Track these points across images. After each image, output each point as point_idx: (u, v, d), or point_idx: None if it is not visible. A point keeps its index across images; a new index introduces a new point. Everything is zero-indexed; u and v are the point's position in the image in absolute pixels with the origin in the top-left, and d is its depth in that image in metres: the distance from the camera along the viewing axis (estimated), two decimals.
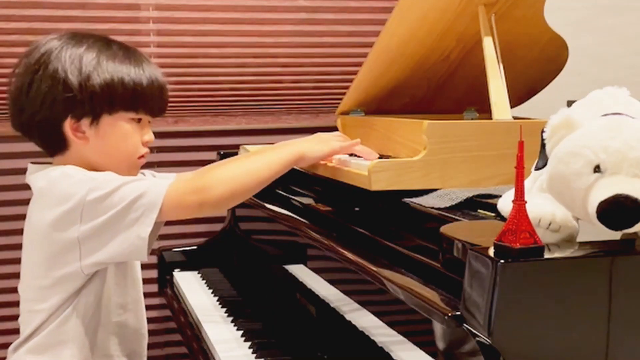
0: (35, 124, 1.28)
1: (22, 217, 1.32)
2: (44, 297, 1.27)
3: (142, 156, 1.34)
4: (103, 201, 1.20)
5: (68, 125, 1.27)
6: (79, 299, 1.28)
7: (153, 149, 2.25)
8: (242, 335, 1.51)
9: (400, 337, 1.14)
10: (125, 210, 1.20)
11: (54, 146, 1.31)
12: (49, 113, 1.26)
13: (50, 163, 1.32)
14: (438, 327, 0.95)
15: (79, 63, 1.26)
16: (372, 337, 1.24)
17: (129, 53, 1.31)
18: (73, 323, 1.28)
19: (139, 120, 1.32)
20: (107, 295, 1.32)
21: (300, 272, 1.61)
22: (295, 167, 1.37)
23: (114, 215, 1.20)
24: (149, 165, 1.55)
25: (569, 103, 1.07)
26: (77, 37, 1.30)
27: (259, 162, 1.30)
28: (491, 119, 1.43)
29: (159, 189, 1.22)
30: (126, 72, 1.28)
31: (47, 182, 1.26)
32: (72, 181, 1.23)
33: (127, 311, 1.37)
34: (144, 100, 1.30)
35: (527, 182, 1.01)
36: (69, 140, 1.28)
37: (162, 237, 2.12)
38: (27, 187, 1.33)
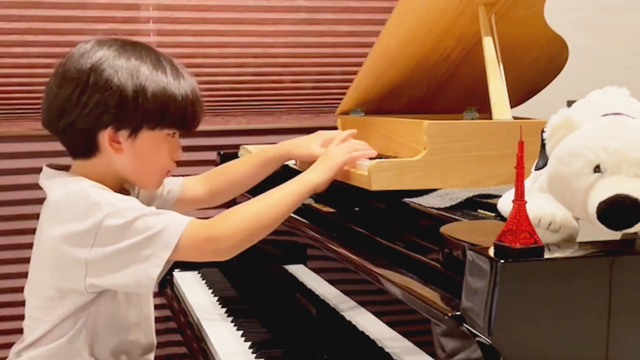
0: (73, 129, 1.25)
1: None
2: (51, 307, 1.26)
3: (169, 171, 1.33)
4: (119, 230, 1.18)
5: (107, 134, 1.24)
6: (88, 316, 1.26)
7: None
8: (242, 335, 1.51)
9: (400, 337, 1.14)
10: (139, 245, 1.18)
11: (81, 151, 1.28)
12: (93, 121, 1.24)
13: (66, 167, 1.31)
14: (438, 327, 0.95)
15: (136, 76, 1.23)
16: (372, 337, 1.24)
17: (175, 69, 1.29)
18: (82, 341, 1.27)
19: (173, 135, 1.30)
20: (122, 314, 1.31)
21: (300, 272, 1.61)
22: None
23: (127, 248, 1.18)
24: None
25: (569, 103, 1.07)
26: (129, 47, 1.27)
27: (270, 204, 1.27)
28: (491, 119, 1.43)
29: (176, 230, 1.20)
30: (176, 89, 1.26)
31: (65, 196, 1.23)
32: (90, 202, 1.20)
33: (141, 329, 1.36)
34: (190, 118, 1.29)
35: (527, 182, 1.01)
36: (102, 148, 1.26)
37: None
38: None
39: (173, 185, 1.51)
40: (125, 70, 1.23)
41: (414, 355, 1.09)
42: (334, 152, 1.40)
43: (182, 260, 1.24)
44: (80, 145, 1.28)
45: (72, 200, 1.22)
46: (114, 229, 1.19)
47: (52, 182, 1.27)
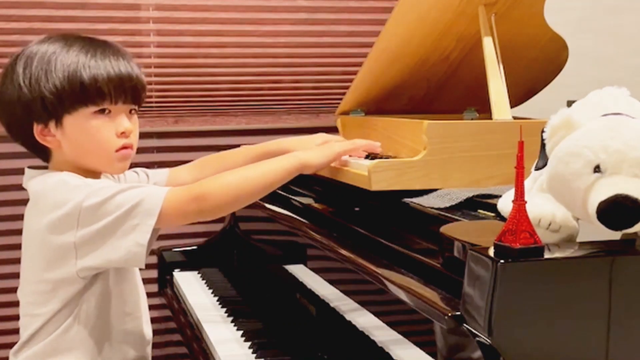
0: (15, 133, 1.28)
1: (21, 217, 1.32)
2: (43, 301, 1.26)
3: (124, 147, 1.28)
4: (100, 207, 1.19)
5: (36, 131, 1.25)
6: (80, 306, 1.27)
7: (153, 149, 2.25)
8: (242, 335, 1.51)
9: (400, 337, 1.14)
10: (124, 217, 1.19)
11: (39, 153, 1.30)
12: (19, 121, 1.26)
13: (46, 167, 1.32)
14: (438, 327, 0.95)
15: (31, 67, 1.24)
16: (372, 337, 1.24)
17: (85, 46, 1.26)
18: (75, 331, 1.27)
19: (108, 111, 1.26)
20: (113, 303, 1.31)
21: (300, 272, 1.61)
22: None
23: (111, 222, 1.19)
24: (148, 166, 1.55)
25: (569, 103, 1.07)
26: (45, 38, 1.28)
27: (258, 171, 1.29)
28: (491, 119, 1.44)
29: (157, 196, 1.21)
30: (74, 68, 1.23)
31: (43, 188, 1.25)
32: (68, 187, 1.22)
33: (135, 319, 1.37)
34: (98, 93, 1.24)
35: (527, 182, 1.01)
36: (47, 145, 1.27)
37: (162, 237, 2.12)
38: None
39: (158, 177, 1.50)
40: (24, 63, 1.25)
41: (413, 355, 1.09)
42: (334, 143, 1.43)
43: (169, 225, 1.26)
44: (33, 149, 1.30)
45: (51, 189, 1.24)
46: (95, 208, 1.19)
47: (33, 180, 1.29)
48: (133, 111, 1.31)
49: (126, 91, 1.27)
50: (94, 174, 1.29)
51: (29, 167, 1.32)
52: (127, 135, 1.28)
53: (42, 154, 1.31)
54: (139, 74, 1.31)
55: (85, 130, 1.25)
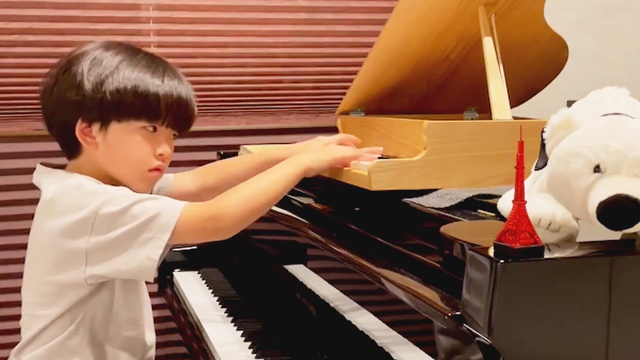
0: (55, 124, 1.29)
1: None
2: (47, 303, 1.26)
3: (156, 169, 1.30)
4: (116, 217, 1.19)
5: (78, 128, 1.25)
6: (84, 312, 1.26)
7: None
8: (242, 336, 1.51)
9: (400, 337, 1.14)
10: (139, 229, 1.19)
11: (69, 149, 1.30)
12: (65, 115, 1.26)
13: (60, 167, 1.31)
14: (438, 327, 0.95)
15: (98, 67, 1.24)
16: (372, 337, 1.24)
17: (153, 64, 1.28)
18: (80, 337, 1.27)
19: (154, 130, 1.28)
20: (117, 311, 1.31)
21: (300, 272, 1.61)
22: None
23: (126, 233, 1.19)
24: None
25: (569, 103, 1.07)
26: (108, 44, 1.29)
27: (267, 183, 1.29)
28: (491, 119, 1.44)
29: (173, 212, 1.20)
30: (141, 81, 1.25)
31: (59, 190, 1.24)
32: (85, 192, 1.21)
33: (139, 326, 1.36)
34: (155, 110, 1.26)
35: (527, 182, 1.01)
36: (81, 143, 1.27)
37: None
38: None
39: (163, 182, 1.50)
40: (90, 62, 1.25)
41: (414, 355, 1.09)
42: (334, 147, 1.43)
43: (182, 242, 1.26)
44: (65, 143, 1.30)
45: (67, 193, 1.23)
46: (111, 216, 1.19)
47: (47, 179, 1.28)
48: (174, 136, 1.33)
49: (179, 117, 1.30)
50: (114, 183, 1.29)
51: (42, 164, 1.32)
52: (164, 159, 1.30)
53: (71, 150, 1.30)
54: (195, 103, 1.34)
55: (127, 142, 1.26)
